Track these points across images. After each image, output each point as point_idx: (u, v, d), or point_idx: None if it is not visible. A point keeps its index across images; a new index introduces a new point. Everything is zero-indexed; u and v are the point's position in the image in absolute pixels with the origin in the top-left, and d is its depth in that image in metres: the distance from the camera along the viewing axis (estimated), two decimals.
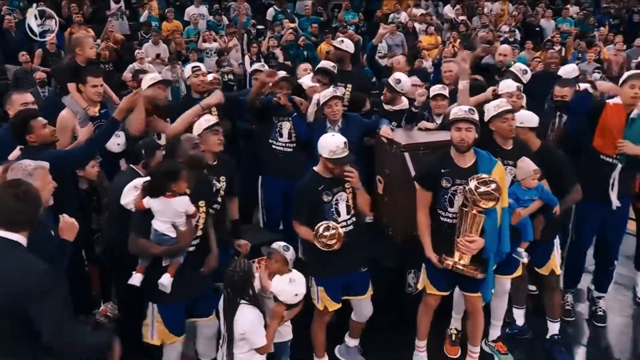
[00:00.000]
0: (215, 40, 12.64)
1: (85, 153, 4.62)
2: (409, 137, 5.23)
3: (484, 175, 4.07)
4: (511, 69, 6.22)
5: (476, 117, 4.20)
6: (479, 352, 4.71)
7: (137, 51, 11.29)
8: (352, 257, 4.46)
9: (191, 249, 4.24)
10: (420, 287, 4.63)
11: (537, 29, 16.13)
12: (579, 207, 5.26)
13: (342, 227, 4.34)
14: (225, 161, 4.83)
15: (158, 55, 11.88)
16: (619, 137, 4.87)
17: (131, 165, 4.70)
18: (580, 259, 5.53)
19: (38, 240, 3.24)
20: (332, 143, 4.26)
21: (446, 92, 5.70)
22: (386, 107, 5.94)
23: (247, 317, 3.83)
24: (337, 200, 4.40)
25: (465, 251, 4.17)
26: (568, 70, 6.04)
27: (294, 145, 5.68)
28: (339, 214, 4.41)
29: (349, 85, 6.24)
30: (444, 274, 4.33)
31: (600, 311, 5.49)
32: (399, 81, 5.87)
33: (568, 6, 17.40)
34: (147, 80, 5.40)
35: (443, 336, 5.05)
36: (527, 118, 4.75)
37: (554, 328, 5.05)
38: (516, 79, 5.84)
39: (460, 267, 4.20)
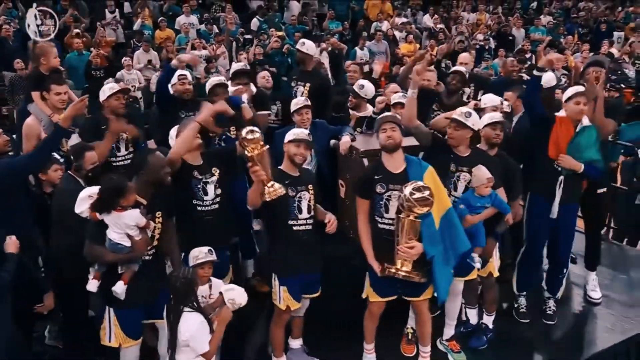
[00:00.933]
0: (204, 48, 12.56)
1: (34, 161, 4.52)
2: (368, 143, 5.14)
3: (419, 182, 4.02)
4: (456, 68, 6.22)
5: (399, 120, 4.27)
6: (429, 351, 4.64)
7: (124, 58, 11.25)
8: (313, 256, 4.45)
9: (147, 257, 4.14)
10: (364, 295, 4.51)
11: (510, 37, 16.13)
12: (530, 211, 5.21)
13: (302, 225, 4.33)
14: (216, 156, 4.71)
15: (150, 62, 11.83)
16: (564, 149, 4.87)
17: (68, 171, 4.60)
18: (532, 266, 5.45)
19: None
20: (296, 130, 4.45)
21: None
22: (351, 112, 5.86)
23: (191, 324, 3.75)
24: (300, 197, 4.34)
25: (406, 257, 4.09)
26: (548, 79, 5.87)
27: None
28: (300, 211, 4.35)
29: (308, 84, 6.25)
30: (387, 280, 4.24)
31: (550, 310, 5.38)
32: (362, 87, 5.84)
33: (541, 16, 17.43)
34: (106, 90, 5.20)
35: (400, 335, 4.95)
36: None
37: (488, 320, 5.04)
38: (463, 79, 5.99)
39: (403, 274, 4.12)
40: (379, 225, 4.29)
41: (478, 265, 4.51)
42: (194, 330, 3.74)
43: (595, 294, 5.73)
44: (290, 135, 4.36)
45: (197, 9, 14.75)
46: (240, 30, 13.99)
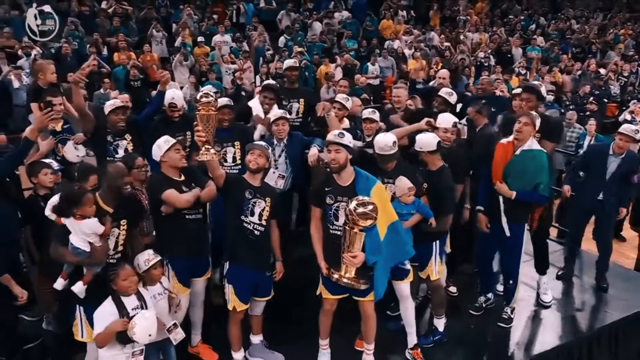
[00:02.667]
0: (233, 62, 12.87)
1: (2, 168, 4.44)
2: None
3: (363, 198, 3.93)
4: (440, 92, 5.83)
5: (345, 140, 4.05)
6: (372, 349, 4.46)
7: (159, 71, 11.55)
8: (260, 256, 4.36)
9: (112, 261, 4.02)
10: (317, 292, 4.38)
11: (509, 55, 16.01)
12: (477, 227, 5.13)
13: (251, 226, 4.25)
14: (192, 173, 4.50)
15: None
16: (500, 174, 4.75)
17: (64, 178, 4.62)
18: (486, 274, 5.37)
19: None
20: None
21: (376, 116, 5.41)
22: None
23: (100, 308, 3.72)
24: (254, 202, 4.25)
25: (349, 264, 4.03)
26: None
27: (239, 167, 5.24)
28: (252, 214, 4.26)
29: (302, 100, 6.15)
30: None
31: (505, 315, 5.14)
32: (348, 100, 5.69)
33: (535, 36, 17.25)
34: (108, 106, 5.09)
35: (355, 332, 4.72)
36: (425, 143, 4.55)
37: (438, 323, 4.88)
38: (445, 102, 5.66)
39: (345, 280, 4.06)
40: (330, 231, 4.20)
41: (408, 266, 4.40)
42: (98, 312, 3.71)
43: (547, 297, 5.57)
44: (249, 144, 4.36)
45: (231, 29, 14.96)
46: (267, 47, 14.21)
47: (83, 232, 3.77)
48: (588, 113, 10.70)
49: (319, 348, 4.54)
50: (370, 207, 3.87)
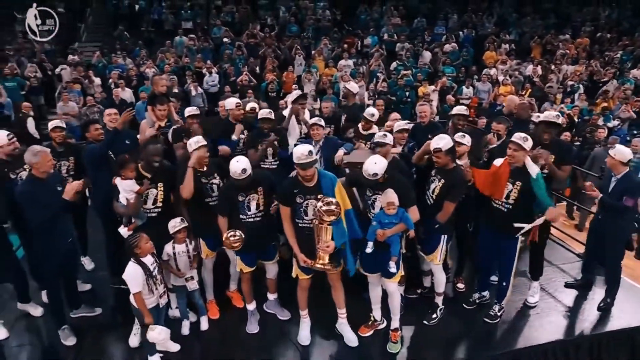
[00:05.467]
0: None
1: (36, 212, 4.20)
2: (358, 156, 4.76)
3: (329, 198, 3.91)
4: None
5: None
6: (345, 312, 4.48)
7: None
8: (260, 240, 4.38)
9: (153, 214, 4.36)
10: (293, 275, 4.33)
11: (600, 85, 14.66)
12: (476, 237, 5.00)
13: (250, 219, 4.27)
14: (216, 165, 4.62)
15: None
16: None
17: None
18: (483, 275, 5.13)
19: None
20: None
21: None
22: (362, 131, 5.74)
23: (127, 269, 3.91)
24: (249, 199, 4.28)
25: (324, 253, 4.01)
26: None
27: (277, 163, 5.38)
28: (249, 209, 4.29)
29: (344, 115, 6.40)
30: None
31: (492, 312, 4.87)
32: (372, 115, 5.64)
33: (633, 69, 15.54)
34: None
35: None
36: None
37: (439, 300, 4.84)
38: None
39: (319, 266, 4.05)
40: (300, 225, 4.14)
41: (393, 270, 4.19)
42: (127, 274, 3.89)
43: (532, 299, 5.21)
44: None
45: (355, 55, 15.55)
46: (381, 70, 14.51)
47: (124, 189, 4.17)
48: None
49: (300, 318, 4.53)
50: (334, 205, 3.85)
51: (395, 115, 6.11)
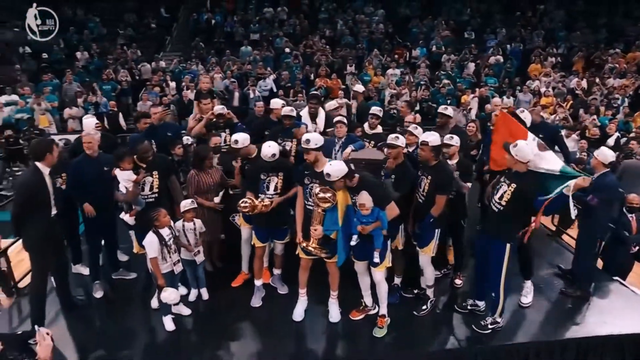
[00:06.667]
0: (394, 89, 13.29)
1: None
2: (365, 154, 4.85)
3: (326, 187, 3.93)
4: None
5: (311, 145, 4.08)
6: (336, 294, 4.50)
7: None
8: (274, 218, 4.49)
9: (150, 200, 4.53)
10: (297, 253, 4.39)
11: None
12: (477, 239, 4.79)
13: (268, 198, 4.40)
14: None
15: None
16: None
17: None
18: (480, 283, 4.79)
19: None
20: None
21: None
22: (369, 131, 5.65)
23: (147, 238, 4.13)
24: (269, 180, 4.44)
25: (312, 236, 4.08)
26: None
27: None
28: (268, 189, 4.45)
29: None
30: None
31: (484, 322, 4.53)
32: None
33: None
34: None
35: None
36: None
37: (430, 292, 4.76)
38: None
39: (310, 248, 4.08)
40: (307, 206, 4.23)
41: (377, 260, 4.12)
42: (147, 241, 4.13)
43: (525, 299, 4.96)
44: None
45: (403, 65, 15.38)
46: (425, 80, 14.26)
47: (123, 179, 4.37)
48: None
49: (298, 295, 4.57)
50: (329, 194, 3.87)
51: (415, 117, 6.03)
